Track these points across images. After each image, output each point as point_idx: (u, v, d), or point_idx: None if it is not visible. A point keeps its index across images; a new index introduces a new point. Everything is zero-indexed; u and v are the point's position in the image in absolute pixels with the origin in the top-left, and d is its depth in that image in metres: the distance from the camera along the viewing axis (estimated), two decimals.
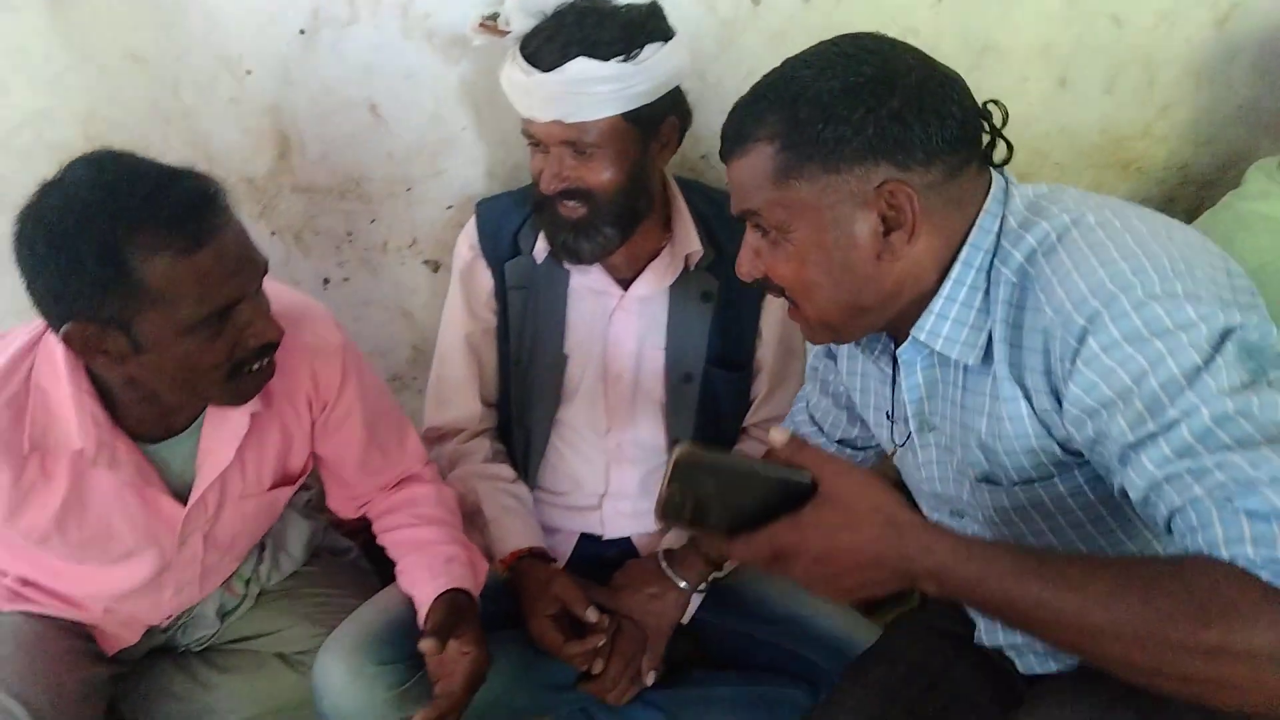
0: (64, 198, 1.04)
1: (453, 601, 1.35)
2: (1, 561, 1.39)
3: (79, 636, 1.45)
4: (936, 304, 0.99)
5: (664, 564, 1.51)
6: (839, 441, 1.41)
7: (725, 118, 1.04)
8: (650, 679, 1.52)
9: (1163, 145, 2.02)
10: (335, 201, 1.75)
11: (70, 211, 1.03)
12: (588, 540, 1.69)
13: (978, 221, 0.97)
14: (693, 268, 1.55)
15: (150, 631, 1.52)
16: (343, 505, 1.56)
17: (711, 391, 1.62)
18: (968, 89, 0.97)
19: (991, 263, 0.97)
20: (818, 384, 1.37)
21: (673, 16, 1.45)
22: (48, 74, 1.58)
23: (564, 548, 1.68)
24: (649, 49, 1.35)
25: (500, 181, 1.77)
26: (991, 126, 0.99)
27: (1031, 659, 1.16)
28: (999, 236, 0.97)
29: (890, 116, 0.91)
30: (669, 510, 0.87)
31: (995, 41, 1.84)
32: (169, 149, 1.62)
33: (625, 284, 1.58)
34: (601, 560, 1.66)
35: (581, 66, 1.31)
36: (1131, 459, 0.84)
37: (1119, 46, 1.87)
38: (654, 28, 1.37)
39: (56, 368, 1.18)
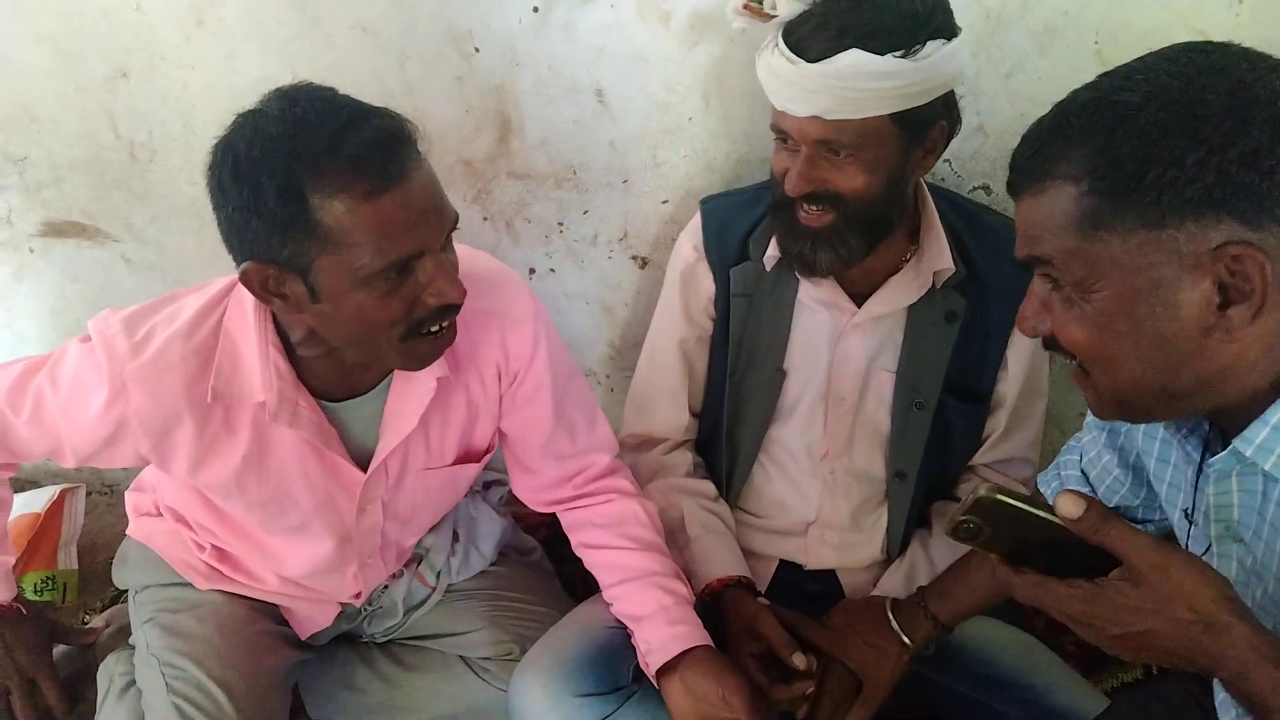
0: (253, 130, 0.99)
1: (737, 678, 1.25)
2: (198, 531, 1.38)
3: (274, 619, 1.43)
4: (1274, 414, 0.79)
5: (891, 615, 1.37)
6: (1112, 509, 1.21)
7: (1018, 144, 0.85)
8: None
9: None
10: (550, 189, 1.67)
11: (256, 144, 0.97)
12: (787, 568, 1.57)
13: None
14: (939, 285, 1.40)
15: (341, 615, 1.48)
16: (530, 495, 1.48)
17: (944, 423, 1.47)
18: None
19: None
20: (1103, 434, 1.18)
21: None
22: (277, 40, 1.56)
23: (762, 574, 1.56)
24: (931, 46, 1.19)
25: (720, 177, 1.66)
26: None
27: None
28: None
29: (1241, 160, 0.72)
30: (960, 534, 0.82)
31: None
32: None
33: (859, 298, 1.44)
34: (802, 591, 1.54)
35: (855, 59, 1.17)
36: None
37: None
38: (939, 23, 1.21)
39: (245, 316, 1.14)
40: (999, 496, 0.79)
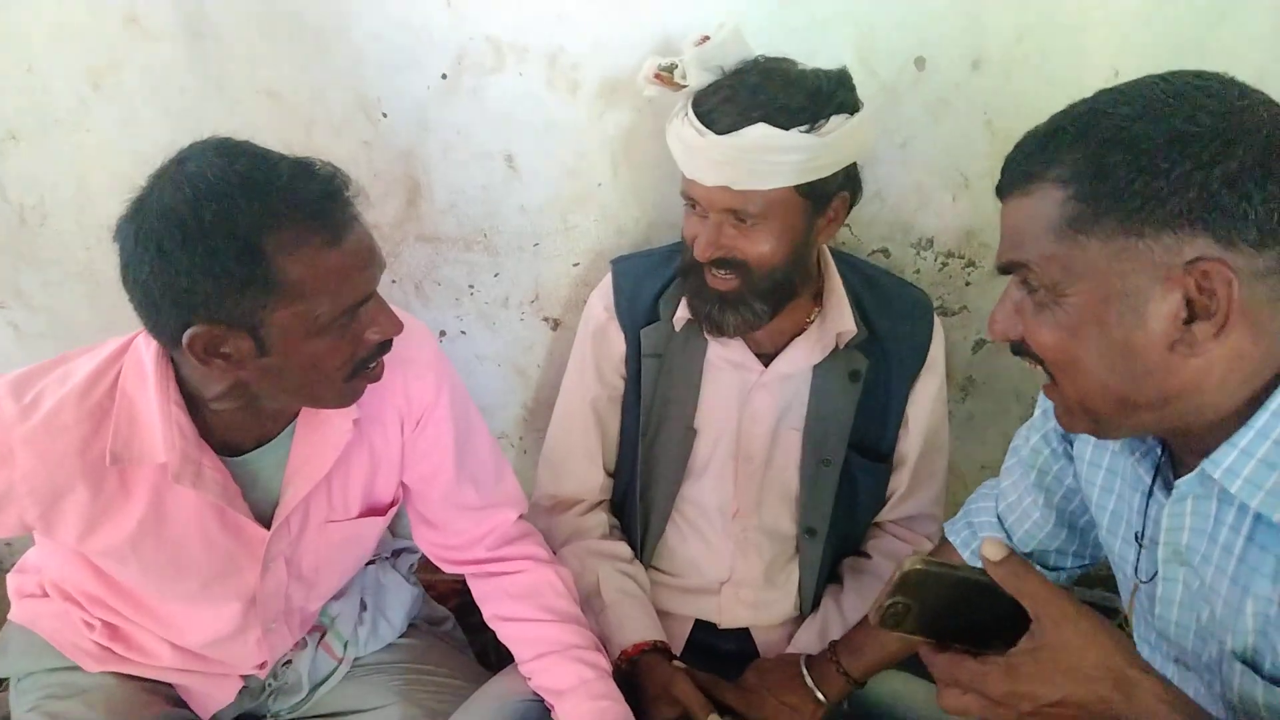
0: (195, 191, 0.96)
1: None
2: (88, 605, 1.32)
3: (171, 701, 1.36)
4: (1243, 437, 0.80)
5: (805, 672, 1.38)
6: (1025, 554, 1.24)
7: (1009, 152, 0.87)
8: None
9: None
10: (460, 252, 1.67)
11: (206, 206, 0.95)
12: (702, 628, 1.57)
13: None
14: (842, 346, 1.44)
15: (243, 692, 1.42)
16: (439, 553, 1.45)
17: (850, 480, 1.50)
18: None
19: None
20: (1029, 478, 1.19)
21: None
22: (180, 106, 1.53)
23: (677, 634, 1.56)
24: (835, 120, 1.24)
25: (630, 240, 1.69)
26: None
27: None
28: None
29: (1224, 180, 0.74)
30: (888, 621, 0.83)
31: None
32: None
33: (766, 359, 1.47)
34: (717, 652, 1.54)
35: (762, 133, 1.21)
36: None
37: None
38: (843, 98, 1.27)
39: (144, 374, 1.11)
40: (923, 566, 0.80)
